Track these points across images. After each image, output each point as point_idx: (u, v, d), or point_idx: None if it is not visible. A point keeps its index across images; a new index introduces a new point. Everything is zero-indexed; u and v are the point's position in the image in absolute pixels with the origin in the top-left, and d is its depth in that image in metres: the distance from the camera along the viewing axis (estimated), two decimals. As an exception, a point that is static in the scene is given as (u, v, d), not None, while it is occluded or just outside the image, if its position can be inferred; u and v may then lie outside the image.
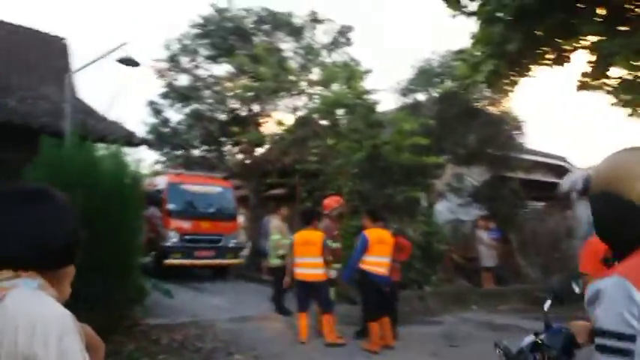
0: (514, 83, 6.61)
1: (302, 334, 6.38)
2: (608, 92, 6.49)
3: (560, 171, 15.61)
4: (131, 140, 8.74)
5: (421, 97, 11.73)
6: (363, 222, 6.64)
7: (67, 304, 1.03)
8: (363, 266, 6.14)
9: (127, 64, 8.10)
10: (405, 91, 11.49)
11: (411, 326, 7.40)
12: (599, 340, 1.00)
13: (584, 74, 6.18)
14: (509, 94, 7.68)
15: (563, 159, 15.87)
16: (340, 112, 11.03)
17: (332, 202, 7.26)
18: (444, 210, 12.33)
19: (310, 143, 12.50)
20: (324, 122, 12.07)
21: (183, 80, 17.31)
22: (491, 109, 11.71)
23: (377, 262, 6.16)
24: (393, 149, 10.10)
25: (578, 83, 6.27)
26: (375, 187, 10.55)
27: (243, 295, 9.71)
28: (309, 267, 6.49)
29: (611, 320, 0.98)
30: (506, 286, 11.42)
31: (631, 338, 0.95)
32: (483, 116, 11.63)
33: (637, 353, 0.95)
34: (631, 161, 1.14)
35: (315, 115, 12.43)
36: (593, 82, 6.12)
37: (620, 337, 0.96)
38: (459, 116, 11.20)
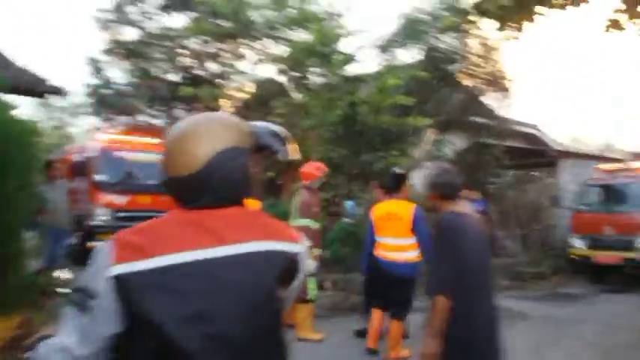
0: (533, 17, 5.41)
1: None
2: None
3: (533, 139, 15.17)
4: (34, 88, 6.90)
5: (405, 54, 10.32)
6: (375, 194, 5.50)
7: None
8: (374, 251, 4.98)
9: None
10: (387, 47, 10.00)
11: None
12: (70, 295, 1.08)
13: (616, 11, 5.10)
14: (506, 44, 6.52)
15: (534, 127, 15.38)
16: (312, 62, 9.55)
17: (313, 170, 5.51)
18: (419, 180, 11.41)
19: (274, 103, 11.06)
20: (291, 74, 10.53)
21: (130, 34, 15.41)
22: (477, 72, 10.59)
23: (388, 244, 4.88)
24: (372, 110, 8.87)
25: (608, 22, 5.19)
26: (349, 153, 9.32)
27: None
28: None
29: (83, 277, 1.07)
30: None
31: (90, 294, 1.03)
32: (466, 82, 10.56)
33: (98, 308, 1.02)
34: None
35: (282, 70, 10.87)
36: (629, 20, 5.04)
37: (82, 291, 1.05)
38: (443, 79, 10.04)
